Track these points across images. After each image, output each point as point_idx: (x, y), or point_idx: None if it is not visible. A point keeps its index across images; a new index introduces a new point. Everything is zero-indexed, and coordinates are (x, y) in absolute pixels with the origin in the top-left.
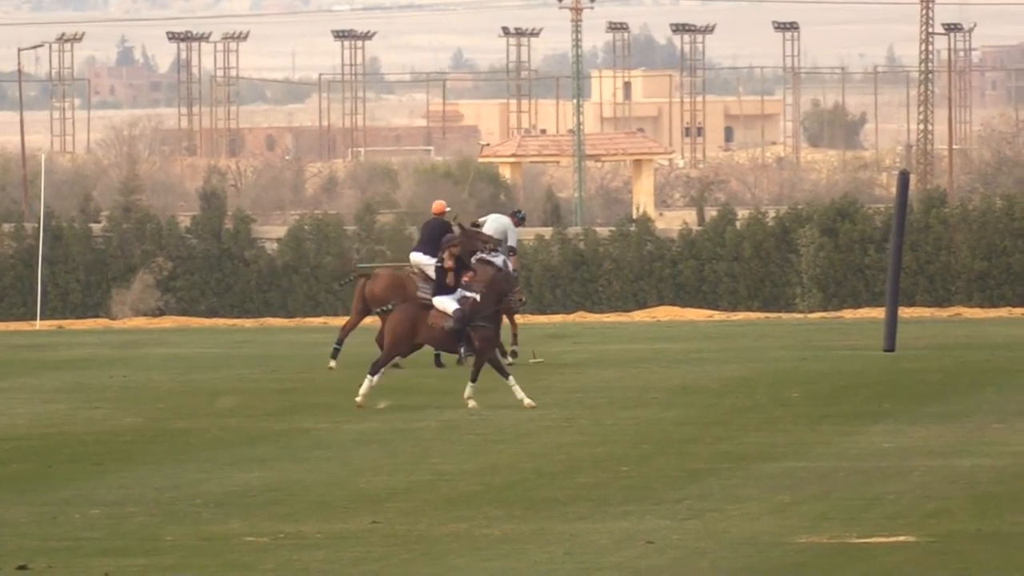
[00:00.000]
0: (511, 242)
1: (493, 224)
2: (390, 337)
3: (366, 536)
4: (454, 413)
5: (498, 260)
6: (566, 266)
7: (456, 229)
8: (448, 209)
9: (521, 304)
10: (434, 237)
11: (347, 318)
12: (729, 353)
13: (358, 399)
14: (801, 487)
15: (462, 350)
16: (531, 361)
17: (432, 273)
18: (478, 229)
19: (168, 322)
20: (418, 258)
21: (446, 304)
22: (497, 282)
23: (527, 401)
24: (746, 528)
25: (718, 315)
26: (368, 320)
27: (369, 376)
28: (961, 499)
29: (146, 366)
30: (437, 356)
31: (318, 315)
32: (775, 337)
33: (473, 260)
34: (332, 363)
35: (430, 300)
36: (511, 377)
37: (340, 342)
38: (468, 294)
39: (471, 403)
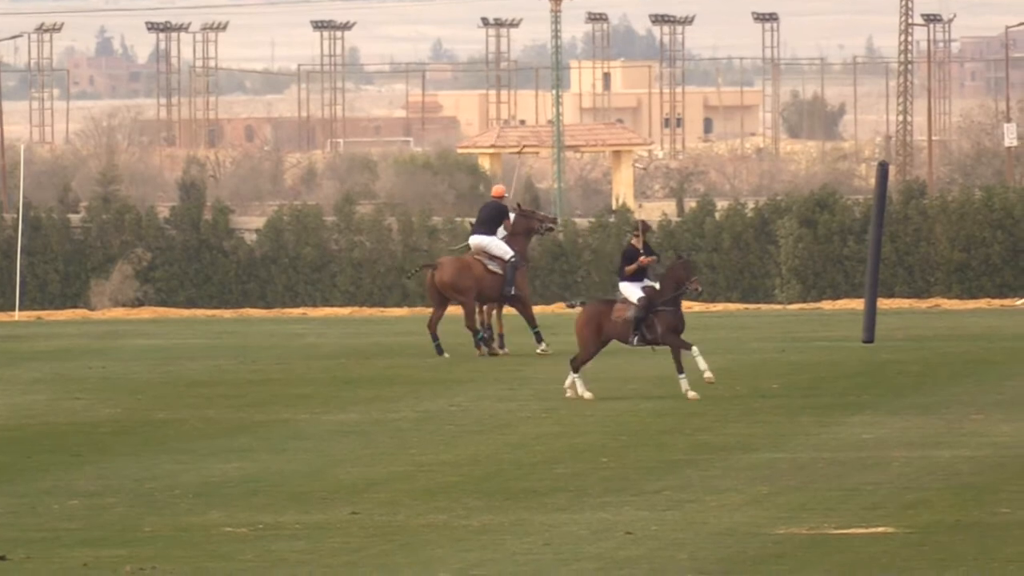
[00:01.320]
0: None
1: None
2: (580, 339)
3: (345, 527)
4: (432, 404)
5: (503, 250)
6: (545, 257)
7: (512, 212)
8: (506, 194)
9: (698, 293)
10: (492, 218)
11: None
12: (708, 344)
13: (572, 392)
14: (780, 478)
15: (635, 339)
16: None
17: (497, 251)
18: (534, 210)
19: (147, 313)
20: (479, 240)
21: (631, 292)
22: (675, 269)
23: (692, 395)
24: (725, 519)
25: (697, 306)
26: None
27: (573, 374)
28: (940, 490)
29: (125, 357)
30: (480, 339)
31: (297, 306)
32: (754, 328)
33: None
34: (447, 354)
35: (499, 271)
36: (688, 363)
37: (434, 337)
38: (649, 283)
39: (691, 394)
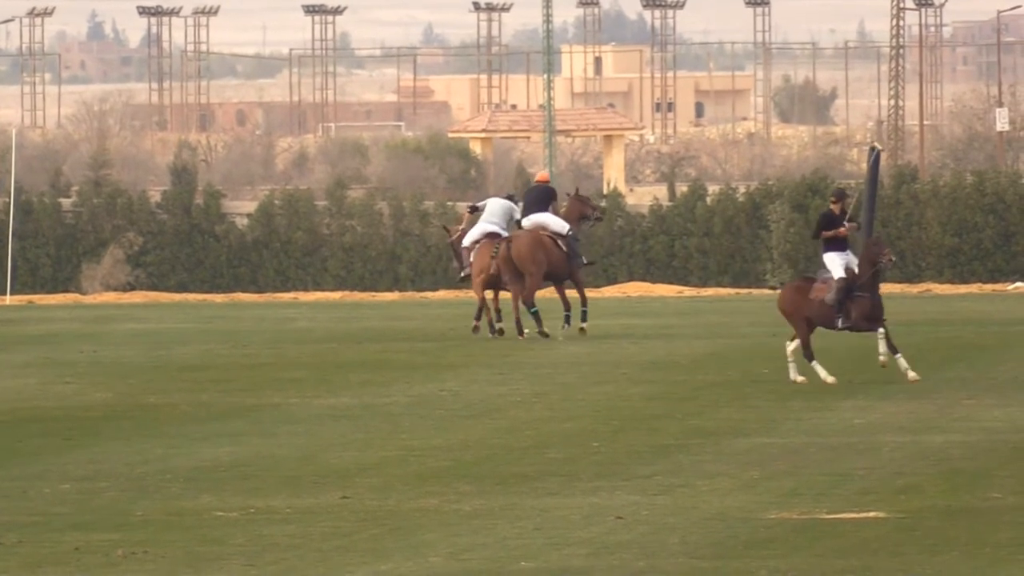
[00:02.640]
0: (517, 217)
1: (494, 207)
2: (788, 320)
3: (336, 511)
4: (424, 388)
5: (561, 225)
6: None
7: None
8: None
9: (892, 263)
10: (540, 200)
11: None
12: (699, 329)
13: (830, 380)
14: (771, 463)
15: (839, 321)
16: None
17: (555, 227)
18: (587, 196)
19: (138, 297)
20: (537, 218)
21: (834, 263)
22: (869, 249)
23: (912, 375)
24: (716, 504)
25: (688, 291)
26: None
27: (811, 362)
28: (931, 475)
29: (116, 341)
30: (534, 313)
31: (288, 290)
32: (745, 313)
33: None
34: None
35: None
36: (893, 352)
37: (527, 312)
38: (852, 265)
39: (911, 374)
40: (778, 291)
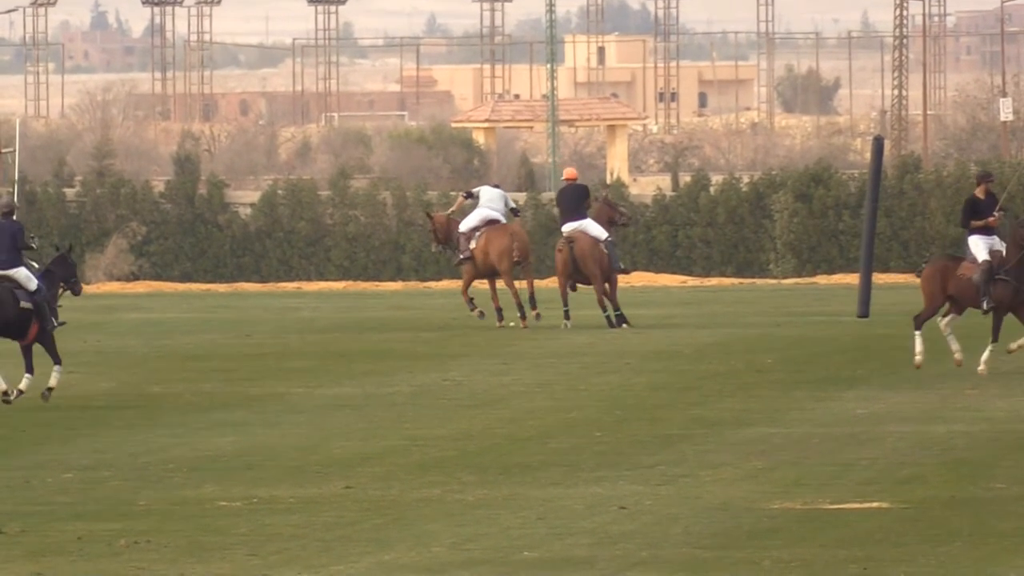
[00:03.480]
0: (511, 205)
1: (491, 194)
2: (925, 294)
3: (339, 501)
4: (427, 378)
5: (599, 231)
6: (540, 231)
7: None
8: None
9: None
10: (578, 200)
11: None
12: (703, 319)
13: (918, 358)
14: (775, 453)
15: (984, 303)
16: (511, 324)
17: (595, 232)
18: (615, 201)
19: (142, 287)
20: (578, 224)
21: (978, 248)
22: (1016, 232)
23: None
24: (719, 494)
25: (692, 281)
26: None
27: (916, 331)
28: (935, 465)
29: (120, 331)
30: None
31: (291, 280)
32: (749, 303)
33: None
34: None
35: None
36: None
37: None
38: (998, 247)
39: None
40: (777, 279)
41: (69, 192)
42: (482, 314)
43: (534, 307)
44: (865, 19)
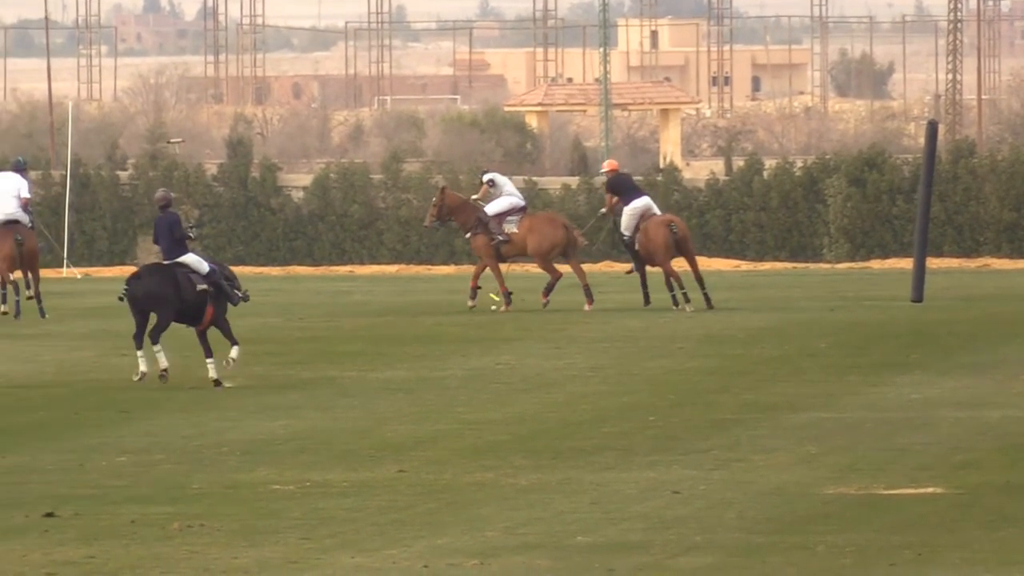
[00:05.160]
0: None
1: (502, 179)
2: None
3: (392, 485)
4: (480, 362)
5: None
6: (592, 215)
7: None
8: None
9: None
10: (633, 187)
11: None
12: (756, 303)
13: None
14: (828, 438)
15: None
16: (492, 308)
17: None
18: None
19: None
20: (648, 200)
21: None
22: None
23: None
24: (773, 479)
25: (745, 265)
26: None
27: None
28: (989, 450)
29: None
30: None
31: (344, 263)
32: (803, 287)
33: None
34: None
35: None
36: None
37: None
38: None
39: None
40: (830, 264)
41: (122, 175)
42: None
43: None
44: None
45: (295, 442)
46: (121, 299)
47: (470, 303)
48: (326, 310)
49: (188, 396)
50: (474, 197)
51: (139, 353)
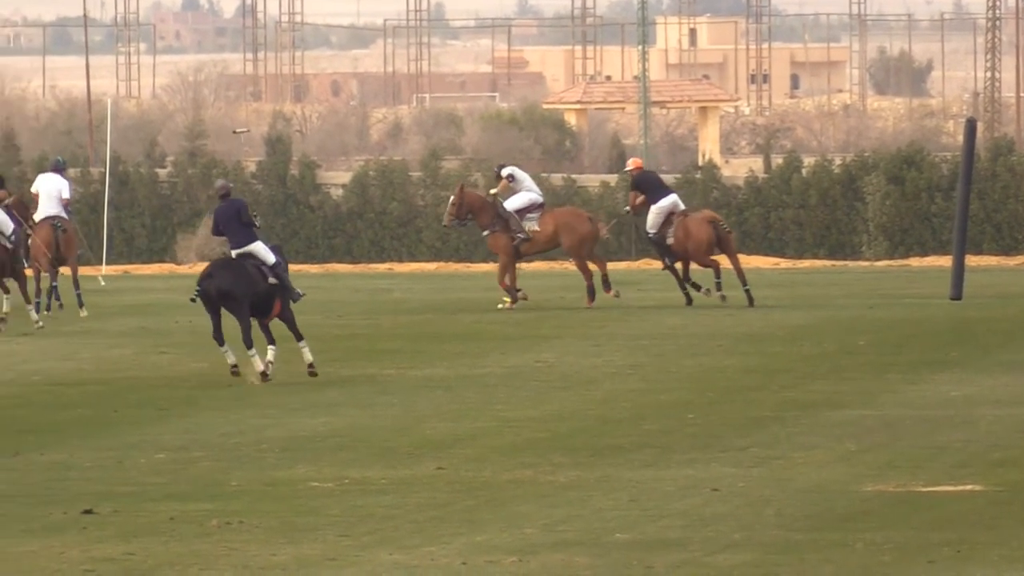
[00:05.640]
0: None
1: (521, 174)
2: None
3: (431, 482)
4: (519, 359)
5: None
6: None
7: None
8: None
9: None
10: (659, 185)
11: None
12: (795, 301)
13: None
14: (867, 435)
15: None
16: (499, 307)
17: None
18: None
19: None
20: (676, 197)
21: None
22: None
23: None
24: (812, 476)
25: (784, 263)
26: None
27: None
28: None
29: None
30: (688, 286)
31: (383, 261)
32: (841, 285)
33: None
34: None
35: None
36: None
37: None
38: None
39: None
40: (869, 262)
41: (161, 173)
42: (526, 297)
43: (609, 288)
44: (958, 1)
45: (334, 439)
46: (193, 300)
47: (504, 304)
48: (365, 308)
49: (227, 393)
50: (492, 191)
51: (222, 349)
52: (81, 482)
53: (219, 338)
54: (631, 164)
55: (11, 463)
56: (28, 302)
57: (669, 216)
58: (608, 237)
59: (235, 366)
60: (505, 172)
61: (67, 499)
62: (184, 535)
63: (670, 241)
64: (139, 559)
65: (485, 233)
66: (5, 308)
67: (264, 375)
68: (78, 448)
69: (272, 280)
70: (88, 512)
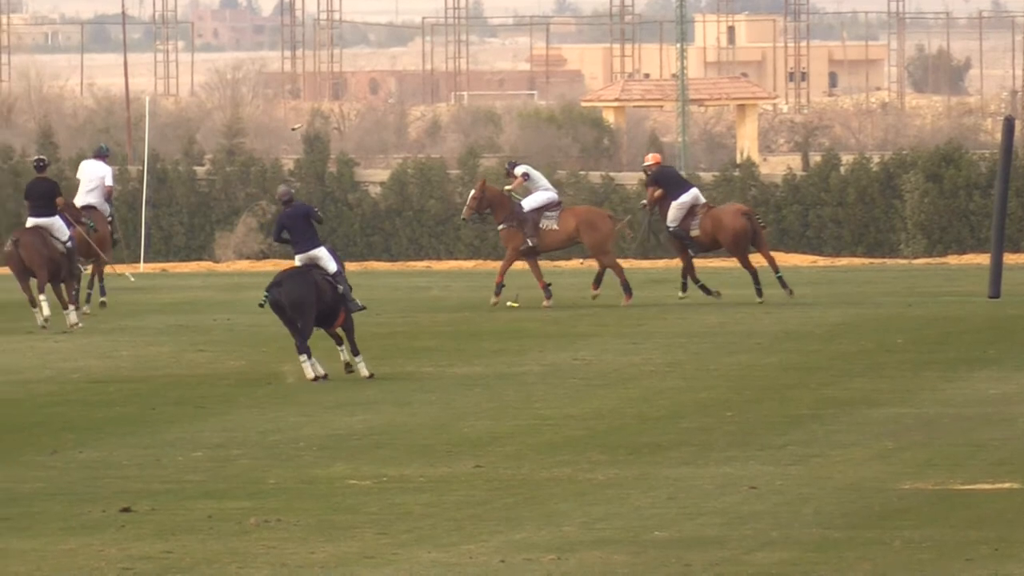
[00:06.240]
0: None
1: (536, 173)
2: None
3: (469, 480)
4: (557, 357)
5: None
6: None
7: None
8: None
9: None
10: (679, 180)
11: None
12: (833, 299)
13: None
14: (905, 433)
15: None
16: (508, 304)
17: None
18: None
19: (271, 265)
20: (697, 191)
21: None
22: None
23: None
24: (850, 474)
25: (822, 261)
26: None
27: None
28: None
29: (250, 309)
30: (700, 285)
31: (421, 259)
32: (879, 283)
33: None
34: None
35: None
36: None
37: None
38: None
39: None
40: (907, 260)
41: (199, 170)
42: (515, 302)
43: (597, 286)
44: None
45: (372, 437)
46: (261, 305)
47: (545, 303)
48: (403, 306)
49: (265, 391)
50: (507, 188)
51: (302, 359)
52: (119, 480)
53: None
54: (650, 159)
55: (49, 461)
56: (65, 307)
57: (692, 209)
58: (631, 235)
59: (317, 378)
60: (520, 171)
61: (105, 497)
62: (222, 533)
63: (695, 233)
64: (177, 557)
65: (500, 227)
66: (45, 312)
67: (348, 367)
68: (116, 446)
69: (340, 288)
70: (126, 510)
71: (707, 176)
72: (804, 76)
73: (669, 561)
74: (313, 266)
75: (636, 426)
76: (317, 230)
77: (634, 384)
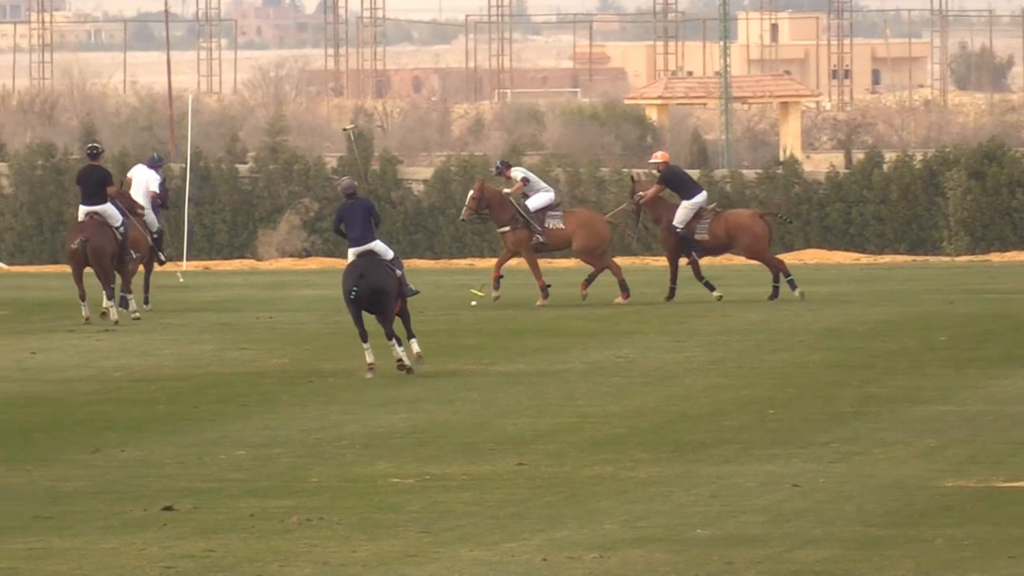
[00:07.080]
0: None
1: (532, 176)
2: None
3: (512, 478)
4: (600, 355)
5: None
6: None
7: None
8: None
9: None
10: (689, 181)
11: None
12: (876, 296)
13: None
14: (948, 431)
15: None
16: (472, 291)
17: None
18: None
19: (314, 263)
20: (704, 196)
21: None
22: None
23: None
24: (892, 472)
25: (865, 258)
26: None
27: None
28: None
29: (292, 307)
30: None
31: (464, 257)
32: (922, 280)
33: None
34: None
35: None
36: None
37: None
38: None
39: None
40: (950, 257)
41: (242, 168)
42: (497, 298)
43: (587, 285)
44: None
45: (414, 435)
46: (353, 298)
47: (540, 302)
48: (446, 303)
49: (307, 390)
50: (506, 191)
51: (366, 346)
52: (161, 479)
53: (364, 335)
54: (659, 157)
55: (91, 459)
56: (110, 297)
57: (700, 211)
58: (630, 234)
59: (372, 364)
60: (519, 175)
61: (147, 496)
62: (264, 532)
63: (702, 236)
64: (219, 556)
65: (505, 229)
66: (85, 312)
67: (415, 360)
68: (158, 444)
69: (399, 273)
70: (168, 509)
71: (750, 174)
72: (847, 74)
73: (711, 559)
74: (371, 253)
75: (678, 424)
76: (373, 228)
77: (677, 382)
